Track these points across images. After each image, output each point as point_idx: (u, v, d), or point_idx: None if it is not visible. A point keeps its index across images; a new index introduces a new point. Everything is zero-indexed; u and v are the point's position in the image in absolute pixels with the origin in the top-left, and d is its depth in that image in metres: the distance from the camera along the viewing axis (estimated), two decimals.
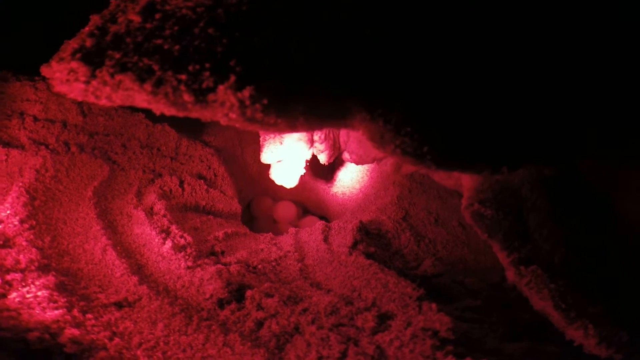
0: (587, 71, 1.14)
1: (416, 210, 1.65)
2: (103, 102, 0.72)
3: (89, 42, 0.75)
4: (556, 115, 1.07)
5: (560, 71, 1.02)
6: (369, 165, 2.05)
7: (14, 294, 0.80)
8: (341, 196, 2.21)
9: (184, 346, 0.84)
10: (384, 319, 0.88)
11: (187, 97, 0.66)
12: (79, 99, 0.74)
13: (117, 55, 0.70)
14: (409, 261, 1.39)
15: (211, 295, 0.97)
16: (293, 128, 0.67)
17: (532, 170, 1.29)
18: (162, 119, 1.76)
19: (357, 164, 1.73)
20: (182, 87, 0.66)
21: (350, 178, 2.19)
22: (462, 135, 0.77)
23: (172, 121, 1.75)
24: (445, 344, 0.78)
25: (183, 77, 0.66)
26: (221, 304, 0.97)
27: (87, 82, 0.70)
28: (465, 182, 1.33)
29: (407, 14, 0.74)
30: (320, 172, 2.30)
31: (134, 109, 1.75)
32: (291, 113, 0.65)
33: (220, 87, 0.64)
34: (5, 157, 1.25)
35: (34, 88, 1.58)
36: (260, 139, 1.58)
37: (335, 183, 2.25)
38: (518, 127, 0.93)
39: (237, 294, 1.00)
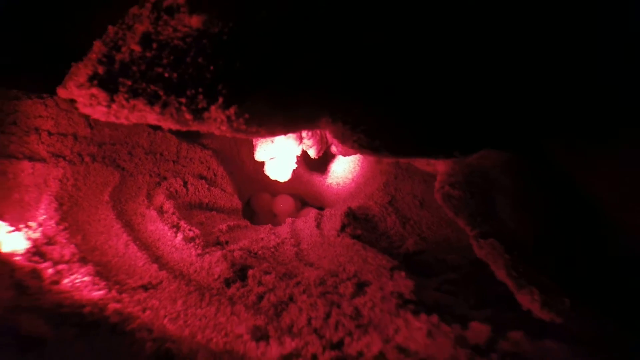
0: (536, 59, 1.31)
1: (402, 194, 1.86)
2: (122, 121, 0.94)
3: (100, 70, 0.96)
4: (506, 102, 1.25)
5: (499, 62, 1.21)
6: (359, 156, 2.25)
7: (65, 280, 1.04)
8: (336, 186, 2.43)
9: (199, 316, 1.06)
10: (362, 287, 1.09)
11: (188, 116, 0.87)
12: (103, 119, 0.95)
13: (129, 83, 0.91)
14: (395, 241, 1.60)
15: (219, 276, 1.20)
16: (272, 134, 0.89)
17: (502, 154, 1.48)
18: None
19: (344, 155, 1.94)
20: (184, 108, 0.87)
21: (343, 169, 2.40)
22: (409, 128, 0.97)
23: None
24: (408, 304, 0.99)
25: (183, 100, 0.87)
26: (228, 282, 1.20)
27: (108, 106, 0.92)
28: (439, 167, 1.53)
29: (359, 37, 0.95)
30: (315, 165, 2.50)
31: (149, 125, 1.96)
32: (268, 123, 0.86)
33: (213, 107, 0.86)
34: (32, 170, 1.48)
35: (44, 105, 1.79)
36: (253, 139, 1.79)
37: (329, 174, 2.46)
38: (467, 114, 1.12)
39: (240, 273, 1.22)
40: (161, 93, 0.88)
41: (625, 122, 1.26)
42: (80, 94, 0.95)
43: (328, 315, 0.99)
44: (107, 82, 0.93)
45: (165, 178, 1.75)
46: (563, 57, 1.32)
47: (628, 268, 1.23)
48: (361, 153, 0.99)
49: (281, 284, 1.16)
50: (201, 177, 1.85)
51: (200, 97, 0.87)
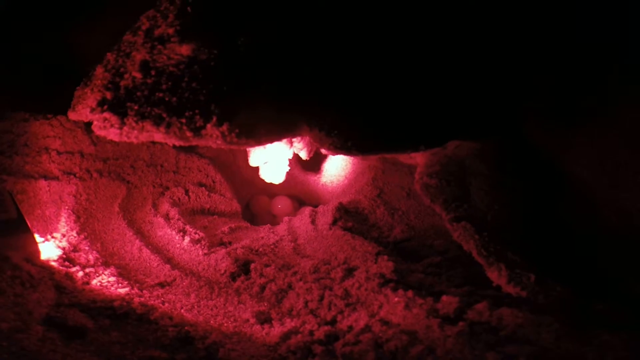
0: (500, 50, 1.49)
1: (390, 187, 2.07)
2: (132, 140, 1.16)
3: (109, 95, 1.18)
4: (470, 95, 1.46)
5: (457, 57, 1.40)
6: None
7: (94, 281, 1.27)
8: (330, 185, 2.64)
9: (211, 306, 1.29)
10: (350, 271, 1.31)
11: (188, 134, 1.09)
12: (116, 139, 1.17)
13: (136, 107, 1.13)
14: (384, 231, 1.81)
15: (225, 271, 1.42)
16: (259, 144, 1.11)
17: (474, 143, 1.68)
18: None
19: (333, 154, 2.15)
20: (184, 127, 1.09)
21: (336, 167, 2.61)
22: (376, 129, 1.19)
23: None
24: (388, 282, 1.19)
25: (183, 120, 1.09)
26: (233, 276, 1.42)
27: (120, 128, 1.13)
28: (419, 159, 1.74)
29: (327, 54, 1.17)
30: (309, 165, 2.72)
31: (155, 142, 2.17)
32: (256, 135, 1.09)
33: (209, 125, 1.08)
34: (48, 187, 1.70)
35: (50, 125, 2.00)
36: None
37: (323, 174, 2.67)
38: (429, 110, 1.33)
39: (244, 268, 1.44)
40: (164, 115, 1.10)
41: (601, 100, 1.39)
42: (95, 118, 1.17)
43: (322, 298, 1.21)
44: (117, 107, 1.15)
45: (167, 188, 1.97)
46: (530, 39, 1.48)
47: (602, 243, 1.40)
48: (337, 154, 1.21)
49: (280, 275, 1.38)
50: (201, 184, 2.07)
51: (198, 117, 1.09)
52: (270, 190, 2.76)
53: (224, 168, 2.28)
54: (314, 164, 2.69)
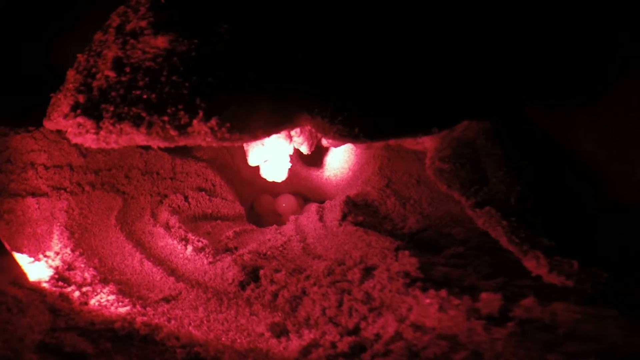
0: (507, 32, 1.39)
1: (398, 175, 1.96)
2: (112, 145, 1.03)
3: (81, 98, 1.04)
4: (478, 74, 1.34)
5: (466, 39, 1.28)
6: (350, 145, 2.35)
7: (93, 300, 1.15)
8: (334, 178, 2.52)
9: (221, 320, 1.17)
10: (369, 271, 1.19)
11: (173, 133, 0.96)
12: (94, 146, 1.04)
13: (111, 108, 1.00)
14: (397, 223, 1.70)
15: (233, 280, 1.31)
16: (255, 138, 0.98)
17: (483, 123, 1.56)
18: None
19: (335, 146, 2.04)
20: (167, 126, 0.96)
21: (338, 160, 2.49)
22: (385, 112, 1.06)
23: None
24: (415, 281, 1.08)
25: (165, 118, 0.96)
26: (242, 285, 1.30)
27: (97, 133, 1.00)
28: (427, 144, 1.62)
29: (323, 38, 1.04)
30: (311, 160, 2.60)
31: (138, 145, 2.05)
32: (250, 129, 0.96)
33: (195, 121, 0.95)
34: (37, 205, 1.58)
35: (33, 139, 1.88)
36: (244, 144, 1.88)
37: (326, 167, 2.55)
38: (440, 90, 1.20)
39: (252, 275, 1.33)
40: (144, 114, 0.97)
41: (600, 78, 1.33)
42: (68, 124, 1.04)
43: (340, 303, 1.09)
44: (91, 110, 1.02)
45: (166, 196, 1.85)
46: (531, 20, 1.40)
47: (619, 221, 1.30)
48: (343, 142, 1.09)
49: (292, 280, 1.26)
50: (200, 189, 1.95)
51: (182, 113, 0.96)
52: (273, 189, 2.65)
53: (223, 170, 2.16)
54: (316, 158, 2.57)
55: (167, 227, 1.64)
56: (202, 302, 1.24)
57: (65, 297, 1.13)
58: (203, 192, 1.92)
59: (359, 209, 1.70)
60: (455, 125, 1.32)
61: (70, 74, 1.16)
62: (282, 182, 2.10)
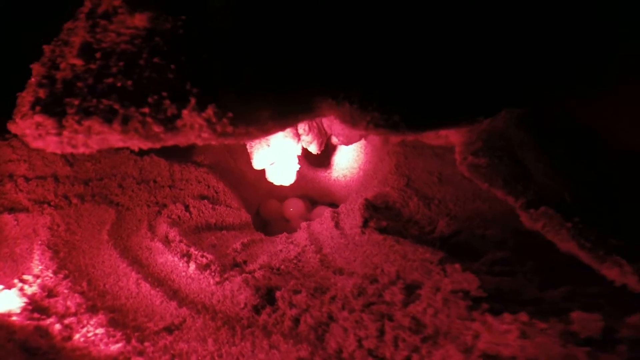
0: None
1: (417, 173, 1.76)
2: (81, 149, 0.80)
3: (42, 93, 0.83)
4: (518, 57, 1.16)
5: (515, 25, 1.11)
6: (362, 143, 2.16)
7: (77, 335, 0.95)
8: (343, 179, 2.33)
9: (236, 355, 0.97)
10: (411, 290, 0.99)
11: (156, 129, 0.74)
12: (58, 151, 0.82)
13: (76, 102, 0.78)
14: (424, 226, 1.50)
15: (245, 304, 1.10)
16: (266, 132, 0.78)
17: (512, 111, 1.38)
18: (148, 150, 1.87)
19: (347, 144, 1.84)
20: (149, 120, 0.74)
21: (347, 159, 2.30)
22: (428, 98, 0.86)
23: (159, 150, 1.86)
24: (480, 302, 0.86)
25: (146, 110, 0.74)
26: (257, 310, 1.10)
27: (59, 134, 0.78)
28: (454, 138, 1.42)
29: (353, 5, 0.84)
30: (317, 161, 2.40)
31: (117, 148, 1.85)
32: (259, 120, 0.75)
33: (185, 112, 0.73)
34: (16, 222, 1.37)
35: (10, 147, 1.67)
36: (247, 146, 1.69)
37: (334, 168, 2.36)
38: (484, 73, 1.02)
39: (267, 297, 1.13)
40: (117, 107, 0.75)
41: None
42: (26, 125, 0.83)
43: (381, 332, 0.89)
44: (52, 106, 0.80)
45: (164, 205, 1.65)
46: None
47: None
48: (377, 134, 0.89)
49: (315, 302, 1.06)
50: (202, 197, 1.75)
51: (167, 102, 0.75)
52: (279, 192, 2.45)
53: (226, 175, 1.95)
54: (322, 158, 2.37)
55: (167, 241, 1.44)
56: (211, 332, 1.04)
57: (43, 332, 0.93)
58: (205, 200, 1.72)
59: (381, 213, 1.50)
60: (498, 113, 1.13)
61: (35, 67, 0.95)
62: (289, 185, 1.91)
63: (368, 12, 0.83)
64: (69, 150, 0.81)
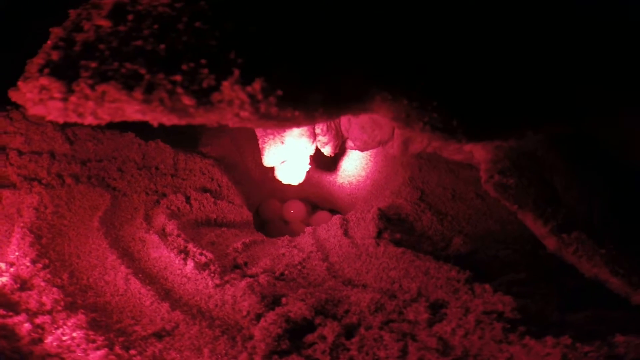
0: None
1: (431, 187, 1.65)
2: (89, 120, 0.66)
3: (55, 55, 0.68)
4: (566, 79, 1.06)
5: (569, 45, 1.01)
6: (372, 150, 2.04)
7: (49, 338, 0.78)
8: (348, 186, 2.20)
9: None
10: (436, 308, 0.87)
11: (187, 101, 0.60)
12: (60, 120, 0.66)
13: (94, 64, 0.63)
14: (437, 242, 1.39)
15: (248, 312, 0.96)
16: (312, 120, 0.64)
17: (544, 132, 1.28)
18: (154, 135, 1.72)
19: (362, 150, 1.72)
20: (179, 90, 0.59)
21: (355, 166, 2.18)
22: (487, 105, 0.75)
23: (165, 136, 1.71)
24: (516, 325, 0.77)
25: (178, 78, 0.59)
26: (260, 319, 0.96)
27: (65, 99, 0.63)
28: (479, 154, 1.31)
29: None
30: (323, 164, 2.28)
31: (122, 129, 1.70)
32: (309, 103, 0.61)
33: (225, 84, 0.59)
34: None
35: (8, 119, 1.51)
36: (259, 142, 1.55)
37: (340, 173, 2.23)
38: (536, 91, 0.92)
39: (273, 306, 0.98)
40: (143, 72, 0.61)
41: None
42: (28, 89, 0.67)
43: (405, 352, 0.76)
44: (64, 69, 0.64)
45: (164, 195, 1.49)
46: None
47: None
48: (431, 138, 0.76)
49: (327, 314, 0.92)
50: (205, 190, 1.60)
51: (205, 71, 0.60)
52: (281, 193, 2.31)
53: (231, 170, 1.81)
54: (328, 162, 2.25)
55: (163, 234, 1.28)
56: (207, 341, 0.88)
57: (8, 332, 0.76)
58: (208, 194, 1.57)
59: (394, 225, 1.38)
60: (541, 128, 1.02)
61: (54, 31, 0.80)
62: (291, 186, 1.77)
63: (445, 7, 0.72)
64: (74, 118, 0.65)
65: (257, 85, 0.58)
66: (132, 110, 0.60)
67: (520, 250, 1.36)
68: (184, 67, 0.60)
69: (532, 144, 1.29)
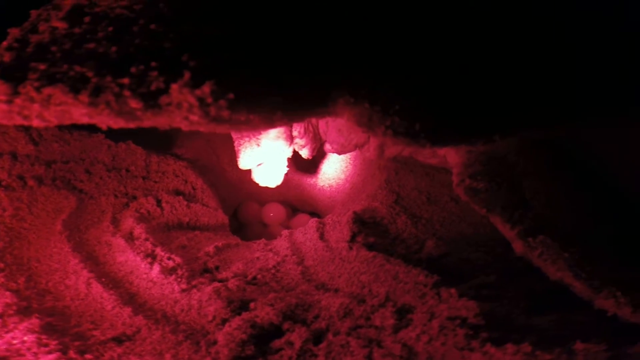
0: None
1: (406, 191, 1.66)
2: (35, 122, 0.64)
3: (7, 57, 0.66)
4: (542, 83, 1.08)
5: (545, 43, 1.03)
6: (352, 153, 2.04)
7: (0, 342, 0.74)
8: (328, 189, 2.20)
9: None
10: (402, 314, 0.86)
11: (134, 104, 0.58)
12: (5, 122, 0.65)
13: (42, 67, 0.62)
14: (411, 245, 1.39)
15: (214, 317, 0.93)
16: (271, 123, 0.63)
17: (516, 136, 1.30)
18: (125, 136, 1.67)
19: (339, 153, 1.71)
20: (126, 93, 0.57)
21: (335, 169, 2.17)
22: (452, 109, 0.76)
23: (137, 138, 1.66)
24: (479, 331, 0.77)
25: (125, 80, 0.58)
26: (225, 324, 0.93)
27: (10, 102, 0.61)
28: (451, 158, 1.33)
29: None
30: (302, 167, 2.26)
31: (91, 130, 1.64)
32: (266, 107, 0.60)
33: (174, 86, 0.57)
34: None
35: None
36: (235, 143, 1.52)
37: (320, 176, 2.22)
38: (506, 94, 0.93)
39: (240, 311, 0.96)
40: (90, 75, 0.59)
41: None
42: None
43: (370, 359, 0.75)
44: (12, 70, 0.63)
45: (134, 198, 1.45)
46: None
47: None
48: (393, 142, 0.76)
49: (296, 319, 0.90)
50: (178, 192, 1.56)
51: (154, 73, 0.59)
52: (259, 195, 2.28)
53: (206, 172, 1.77)
54: (309, 164, 2.24)
55: (131, 237, 1.24)
56: (170, 346, 0.85)
57: None
58: (180, 197, 1.53)
59: (369, 228, 1.37)
60: (516, 134, 1.03)
61: (12, 31, 0.77)
62: (271, 188, 1.75)
63: (409, 7, 0.71)
64: (18, 121, 0.63)
65: (206, 88, 0.56)
66: (79, 113, 0.58)
67: (492, 252, 1.38)
68: (134, 69, 0.58)
69: (503, 149, 1.31)
